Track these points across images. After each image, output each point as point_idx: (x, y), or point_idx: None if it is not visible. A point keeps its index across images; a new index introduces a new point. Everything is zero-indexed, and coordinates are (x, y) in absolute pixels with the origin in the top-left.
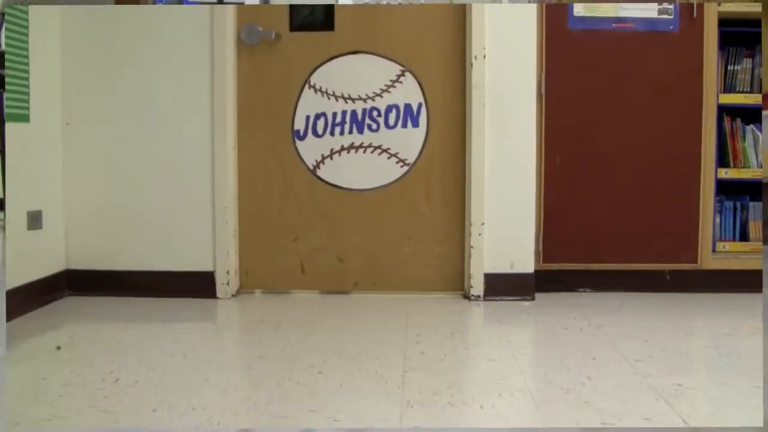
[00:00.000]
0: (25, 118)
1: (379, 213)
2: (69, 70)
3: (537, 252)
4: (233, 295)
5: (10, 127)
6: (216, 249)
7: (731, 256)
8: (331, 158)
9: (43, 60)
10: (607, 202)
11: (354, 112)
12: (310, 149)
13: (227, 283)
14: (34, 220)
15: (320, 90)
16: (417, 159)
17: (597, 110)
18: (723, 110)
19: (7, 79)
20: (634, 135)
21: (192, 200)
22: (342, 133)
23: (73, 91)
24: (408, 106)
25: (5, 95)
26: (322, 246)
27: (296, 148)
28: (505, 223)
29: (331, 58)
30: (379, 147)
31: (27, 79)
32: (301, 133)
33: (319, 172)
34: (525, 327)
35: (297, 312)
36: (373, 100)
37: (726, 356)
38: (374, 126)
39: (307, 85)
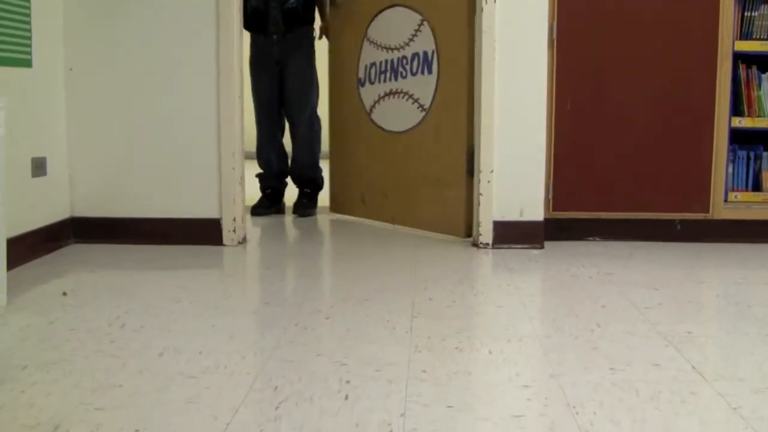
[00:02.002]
0: (27, 63)
1: (406, 155)
2: (72, 13)
3: (546, 200)
4: (239, 242)
5: (11, 72)
6: (222, 196)
7: (743, 206)
8: (379, 103)
9: (45, 2)
10: (618, 150)
11: (392, 61)
12: (367, 95)
13: (233, 230)
14: (39, 167)
15: (373, 42)
16: (431, 104)
17: (609, 57)
18: (738, 57)
19: (7, 23)
20: (647, 82)
21: (198, 147)
22: (385, 80)
23: (76, 36)
24: (425, 54)
25: (5, 39)
26: (373, 182)
27: (359, 94)
28: (515, 170)
29: (378, 13)
30: (407, 93)
31: (28, 22)
32: (362, 80)
33: (372, 116)
34: (534, 275)
35: (303, 259)
36: (403, 49)
37: (736, 305)
38: (404, 73)
39: (365, 38)
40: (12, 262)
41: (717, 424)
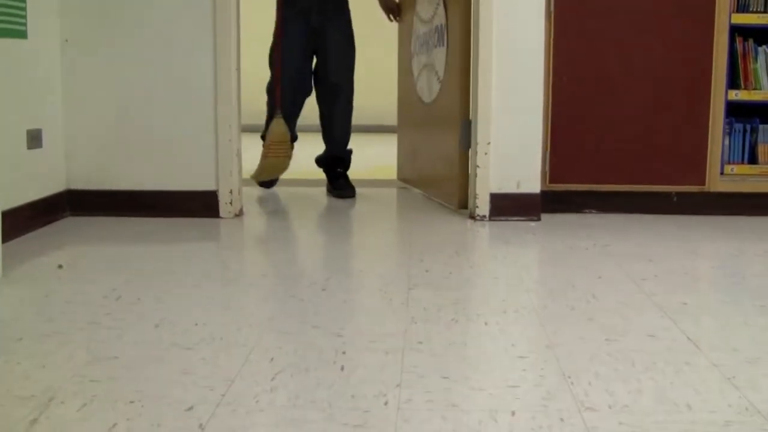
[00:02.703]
0: (21, 34)
1: (430, 125)
2: None
3: (543, 172)
4: (236, 215)
5: (6, 43)
6: (219, 168)
7: (739, 178)
8: (420, 74)
9: None
10: (614, 122)
11: (425, 33)
12: (414, 66)
13: (230, 203)
14: (34, 139)
15: (418, 15)
16: (443, 76)
17: (606, 28)
18: (735, 30)
19: None
20: (644, 55)
21: (195, 120)
22: (422, 52)
23: (71, 7)
24: (440, 27)
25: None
26: (416, 152)
27: (411, 65)
28: (512, 142)
29: None
30: (432, 65)
31: None
32: (412, 53)
33: (417, 87)
34: (530, 247)
35: (300, 231)
36: (431, 22)
37: (731, 276)
38: (430, 45)
39: (415, 13)
40: (7, 235)
41: (711, 393)
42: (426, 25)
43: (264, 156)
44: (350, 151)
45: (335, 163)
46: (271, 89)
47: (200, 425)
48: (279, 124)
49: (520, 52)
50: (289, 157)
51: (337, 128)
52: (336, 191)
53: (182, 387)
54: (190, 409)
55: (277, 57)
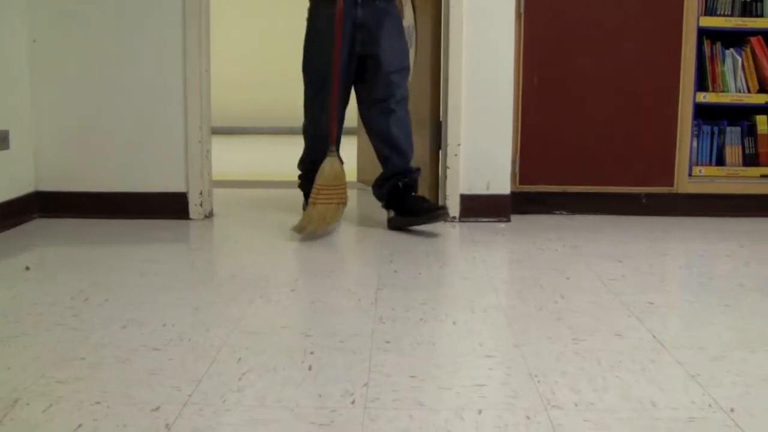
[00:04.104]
0: None
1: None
2: None
3: (513, 174)
4: (206, 216)
5: None
6: (189, 169)
7: (707, 180)
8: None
9: None
10: (584, 124)
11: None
12: None
13: (200, 204)
14: (2, 140)
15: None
16: (412, 77)
17: (576, 30)
18: (703, 33)
19: None
20: (613, 57)
21: (164, 121)
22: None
23: (39, 7)
24: (408, 28)
25: None
26: None
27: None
28: (482, 143)
29: None
30: None
31: None
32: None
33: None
34: (500, 247)
35: (270, 232)
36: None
37: (698, 276)
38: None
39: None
40: None
41: (675, 390)
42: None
43: (312, 203)
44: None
45: (403, 182)
46: (312, 123)
47: (166, 425)
48: (333, 164)
49: (490, 53)
50: (344, 203)
51: (404, 143)
52: (425, 214)
53: (149, 387)
54: (157, 409)
55: (335, 72)
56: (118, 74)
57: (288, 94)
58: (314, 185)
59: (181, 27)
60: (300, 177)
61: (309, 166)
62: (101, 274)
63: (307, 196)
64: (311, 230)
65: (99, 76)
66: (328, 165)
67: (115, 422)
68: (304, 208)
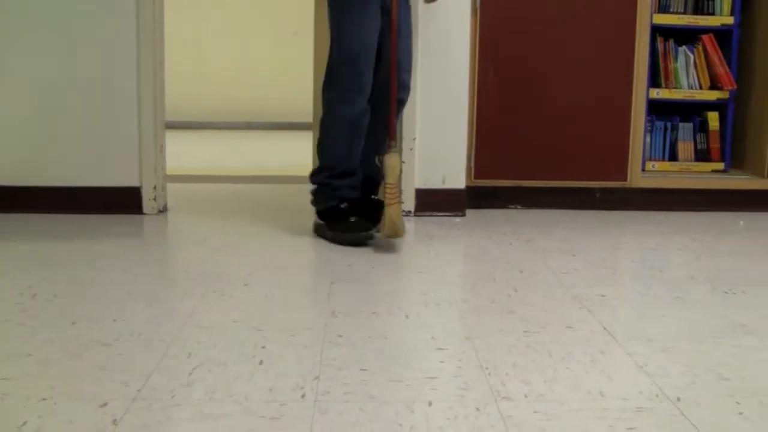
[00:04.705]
0: None
1: None
2: None
3: (469, 168)
4: (160, 211)
5: None
6: (142, 164)
7: (660, 175)
8: None
9: None
10: (539, 119)
11: None
12: None
13: (154, 199)
14: None
15: None
16: None
17: (532, 26)
18: (656, 30)
19: None
20: (568, 52)
21: (118, 115)
22: None
23: None
24: None
25: None
26: None
27: None
28: (437, 138)
29: None
30: None
31: None
32: None
33: None
34: (455, 241)
35: (226, 226)
36: None
37: (649, 269)
38: None
39: None
40: None
41: (624, 381)
42: None
43: (390, 204)
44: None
45: (369, 187)
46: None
47: (114, 421)
48: (396, 158)
49: (445, 48)
50: (386, 203)
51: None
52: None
53: (98, 383)
54: (104, 405)
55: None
56: (69, 67)
57: (250, 89)
58: (386, 185)
59: (135, 18)
60: (321, 187)
61: (338, 169)
62: (51, 269)
63: (328, 213)
64: (397, 230)
65: (52, 70)
66: (396, 161)
67: (62, 419)
68: (324, 233)
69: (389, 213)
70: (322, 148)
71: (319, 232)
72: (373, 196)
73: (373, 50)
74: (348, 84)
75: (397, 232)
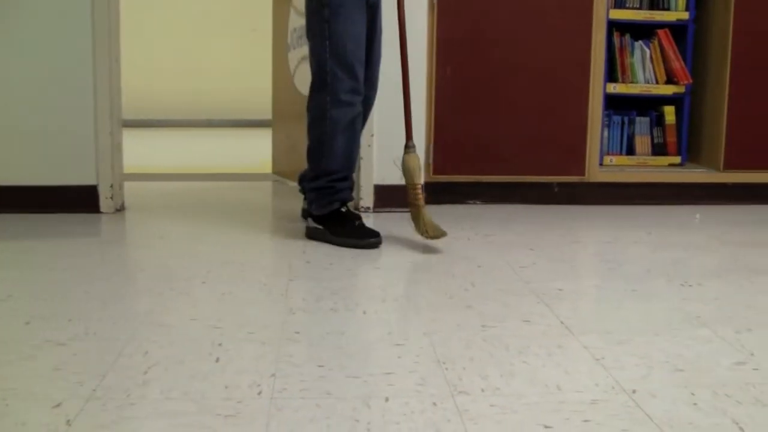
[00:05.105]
0: None
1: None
2: None
3: (427, 164)
4: (117, 210)
5: None
6: (99, 162)
7: (617, 169)
8: (297, 67)
9: None
10: (497, 114)
11: (303, 26)
12: (291, 60)
13: (111, 197)
14: None
15: (294, 7)
16: None
17: (489, 22)
18: (613, 25)
19: None
20: (525, 48)
21: (73, 112)
22: (298, 46)
23: None
24: (299, 29)
25: None
26: (294, 143)
27: (288, 59)
28: (395, 135)
29: None
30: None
31: None
32: (288, 46)
33: (294, 80)
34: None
35: (183, 225)
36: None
37: (607, 263)
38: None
39: (291, 4)
40: None
41: (580, 374)
42: (303, 17)
43: (420, 205)
44: None
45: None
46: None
47: (67, 421)
48: (416, 159)
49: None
50: (417, 205)
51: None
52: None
53: (51, 383)
54: (58, 405)
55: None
56: (22, 64)
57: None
58: (414, 186)
59: (90, 14)
60: (321, 191)
61: (340, 174)
62: (5, 269)
63: (329, 218)
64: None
65: (5, 66)
66: (417, 162)
67: (14, 420)
68: (326, 237)
69: (425, 215)
70: (320, 154)
71: (316, 236)
72: None
73: (364, 49)
74: (343, 86)
75: (443, 232)
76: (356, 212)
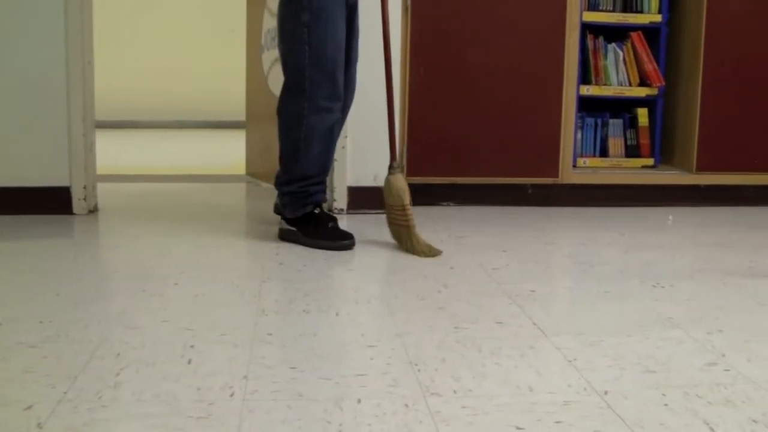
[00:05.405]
0: None
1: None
2: None
3: (401, 165)
4: (91, 211)
5: None
6: (72, 164)
7: (591, 171)
8: (271, 69)
9: None
10: (472, 116)
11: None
12: (265, 61)
13: (84, 199)
14: None
15: (269, 9)
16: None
17: (463, 23)
18: (586, 28)
19: None
20: (500, 50)
21: (46, 113)
22: (272, 47)
23: None
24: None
25: None
26: (268, 145)
27: (261, 60)
28: (368, 136)
29: None
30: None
31: None
32: (262, 47)
33: (268, 81)
34: (387, 239)
35: (156, 226)
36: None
37: (579, 264)
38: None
39: (265, 6)
40: None
41: (552, 375)
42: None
43: (413, 226)
44: None
45: None
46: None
47: (38, 424)
48: (402, 179)
49: (376, 45)
50: (408, 226)
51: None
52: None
53: (22, 386)
54: (29, 408)
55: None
56: None
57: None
58: (402, 207)
59: (63, 14)
60: (294, 195)
61: (314, 179)
62: None
63: (302, 220)
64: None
65: None
66: (404, 182)
67: None
68: (299, 239)
69: (417, 235)
70: (294, 159)
71: (290, 238)
72: None
73: (344, 53)
74: (322, 92)
75: (438, 251)
76: (330, 214)
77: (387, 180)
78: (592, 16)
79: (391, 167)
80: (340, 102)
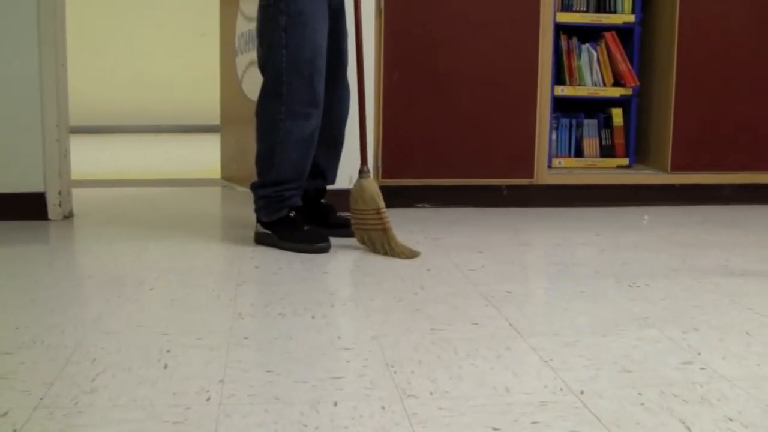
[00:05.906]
0: None
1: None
2: None
3: (376, 168)
4: (66, 217)
5: None
6: (46, 169)
7: (566, 171)
8: (245, 72)
9: None
10: (446, 118)
11: (251, 31)
12: (239, 65)
13: (59, 204)
14: None
15: (242, 12)
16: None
17: (436, 25)
18: (560, 28)
19: None
20: (474, 51)
21: (19, 118)
22: (246, 51)
23: None
24: (247, 33)
25: None
26: (243, 149)
27: (235, 64)
28: (345, 139)
29: None
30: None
31: None
32: (236, 51)
33: (242, 85)
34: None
35: (132, 231)
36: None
37: (555, 264)
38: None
39: (239, 10)
40: None
41: (528, 376)
42: (252, 22)
43: (389, 228)
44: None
45: (318, 191)
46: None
47: (14, 431)
48: (374, 183)
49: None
50: (384, 228)
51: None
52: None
53: None
54: (5, 414)
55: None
56: None
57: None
58: (376, 210)
59: (35, 18)
60: (269, 199)
61: (291, 184)
62: None
63: (278, 224)
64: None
65: None
66: (375, 186)
67: None
68: (275, 242)
69: (395, 237)
70: (270, 163)
71: (265, 241)
72: (322, 200)
73: (325, 57)
74: (300, 97)
75: (416, 252)
76: (342, 216)
77: (358, 184)
78: (565, 17)
79: (361, 171)
80: (319, 108)
